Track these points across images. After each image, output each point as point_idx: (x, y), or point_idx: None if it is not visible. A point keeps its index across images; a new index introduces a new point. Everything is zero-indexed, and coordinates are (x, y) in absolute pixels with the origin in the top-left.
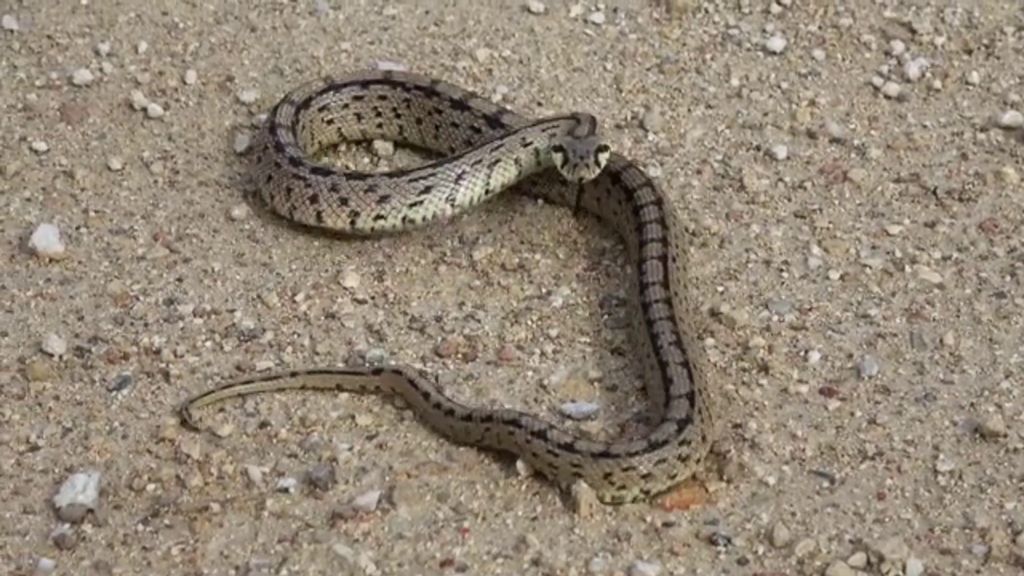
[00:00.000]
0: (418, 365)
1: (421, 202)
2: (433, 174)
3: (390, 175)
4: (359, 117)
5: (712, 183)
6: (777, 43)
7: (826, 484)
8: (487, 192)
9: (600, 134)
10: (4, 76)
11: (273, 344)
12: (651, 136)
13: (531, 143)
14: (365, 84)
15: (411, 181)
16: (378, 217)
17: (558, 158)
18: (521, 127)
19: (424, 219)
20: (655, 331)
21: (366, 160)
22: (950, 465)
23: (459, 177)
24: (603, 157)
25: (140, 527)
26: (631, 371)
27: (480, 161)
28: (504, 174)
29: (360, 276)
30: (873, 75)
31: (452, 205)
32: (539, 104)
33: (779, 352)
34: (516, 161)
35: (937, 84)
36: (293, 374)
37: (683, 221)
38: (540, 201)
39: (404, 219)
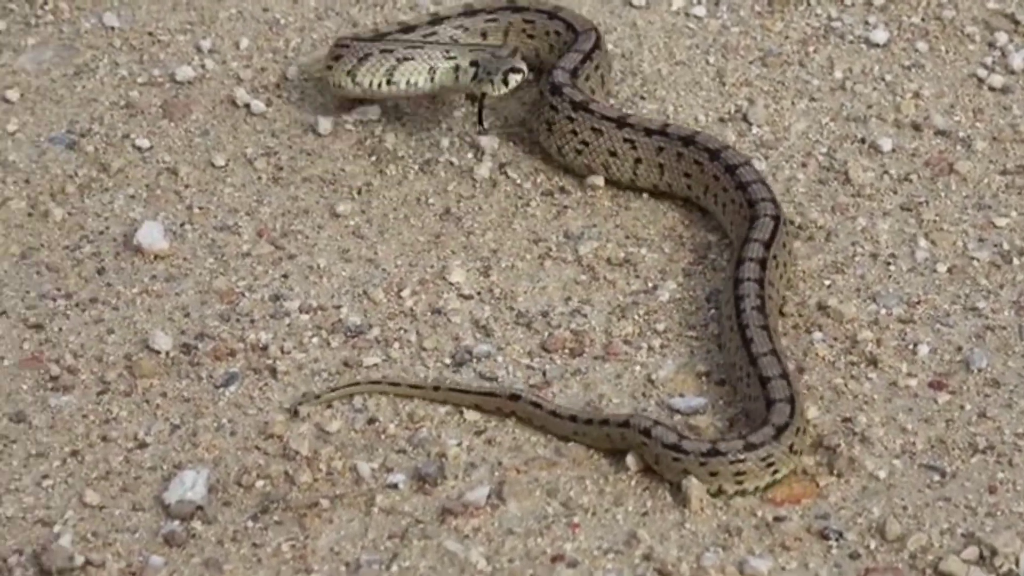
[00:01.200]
0: (524, 360)
1: (330, 67)
2: (348, 47)
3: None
4: None
5: (817, 176)
6: (880, 35)
7: (937, 478)
8: (388, 84)
9: (520, 61)
10: (106, 73)
11: (380, 340)
12: (755, 129)
13: (454, 57)
14: None
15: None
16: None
17: (471, 71)
18: (456, 44)
19: (332, 83)
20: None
21: None
22: None
23: (364, 57)
24: (513, 78)
25: (250, 524)
26: None
27: (390, 51)
28: (412, 75)
29: (466, 271)
30: (977, 67)
31: (352, 81)
32: (642, 98)
33: (888, 345)
34: (430, 69)
35: None
36: (436, 388)
37: (789, 215)
38: (646, 195)
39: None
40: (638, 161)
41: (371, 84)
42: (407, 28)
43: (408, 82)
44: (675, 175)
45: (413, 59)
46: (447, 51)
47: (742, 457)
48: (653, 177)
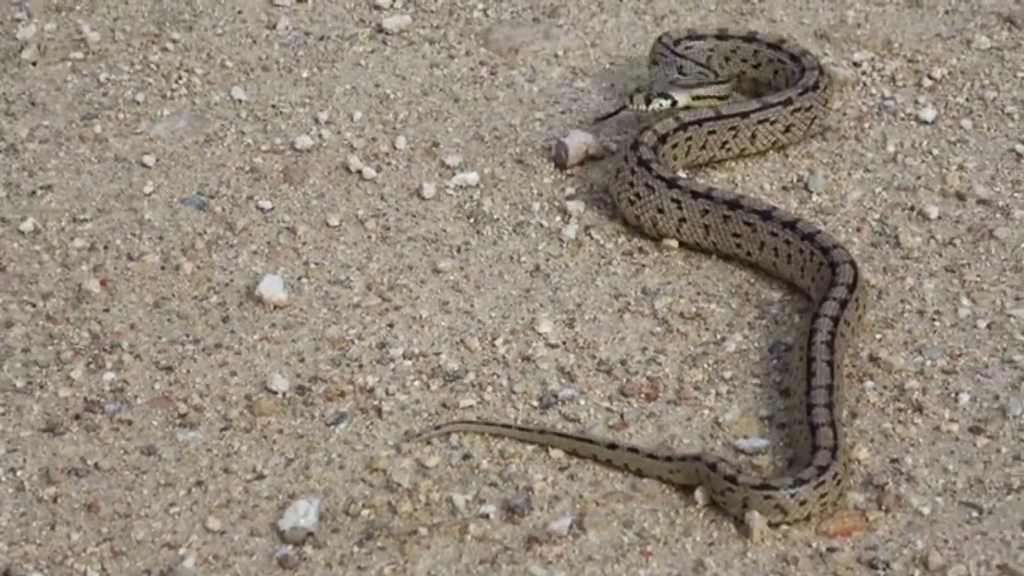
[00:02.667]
0: (604, 404)
1: None
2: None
3: None
4: None
5: (870, 240)
6: (929, 113)
7: (975, 514)
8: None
9: (681, 91)
10: (233, 141)
11: (475, 384)
12: (815, 197)
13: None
14: None
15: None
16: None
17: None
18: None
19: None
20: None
21: None
22: None
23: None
24: (658, 101)
25: (355, 549)
26: None
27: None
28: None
29: (553, 323)
30: (1016, 142)
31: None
32: (712, 167)
33: (932, 394)
34: None
35: None
36: (612, 446)
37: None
38: (715, 256)
39: None
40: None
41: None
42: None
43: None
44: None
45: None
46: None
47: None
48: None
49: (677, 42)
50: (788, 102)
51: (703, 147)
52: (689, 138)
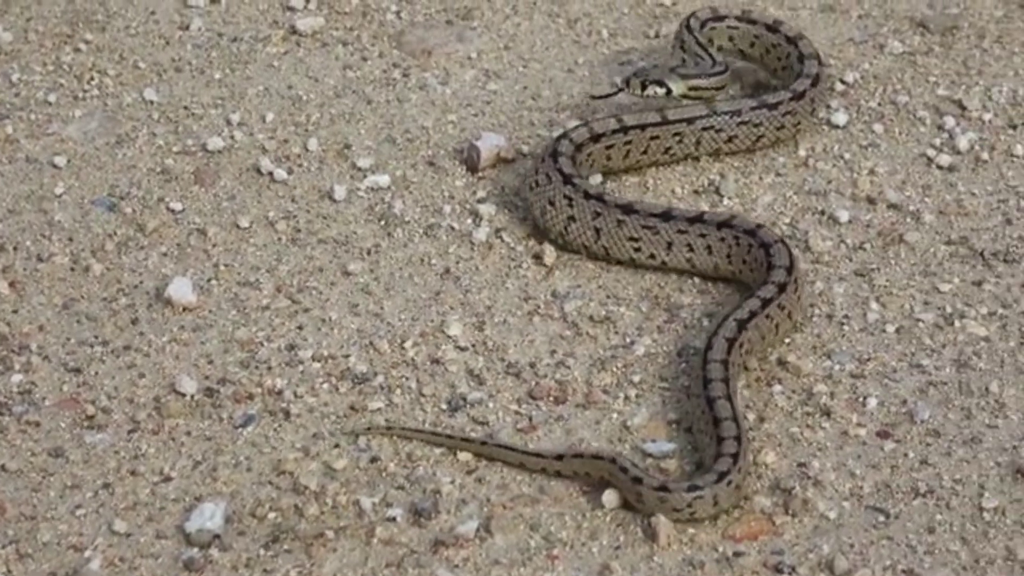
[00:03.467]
0: (513, 407)
1: None
2: None
3: None
4: None
5: None
6: (841, 118)
7: (882, 519)
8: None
9: (676, 79)
10: (145, 143)
11: (384, 387)
12: (726, 201)
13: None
14: None
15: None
16: None
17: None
18: None
19: None
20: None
21: None
22: (994, 502)
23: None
24: (652, 88)
25: (262, 552)
26: None
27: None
28: None
29: (463, 326)
30: (927, 147)
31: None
32: (625, 172)
33: (840, 398)
34: None
35: (985, 156)
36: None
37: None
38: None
39: None
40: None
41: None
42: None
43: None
44: None
45: None
46: None
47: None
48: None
49: (704, 24)
50: (737, 114)
51: (644, 152)
52: (628, 142)
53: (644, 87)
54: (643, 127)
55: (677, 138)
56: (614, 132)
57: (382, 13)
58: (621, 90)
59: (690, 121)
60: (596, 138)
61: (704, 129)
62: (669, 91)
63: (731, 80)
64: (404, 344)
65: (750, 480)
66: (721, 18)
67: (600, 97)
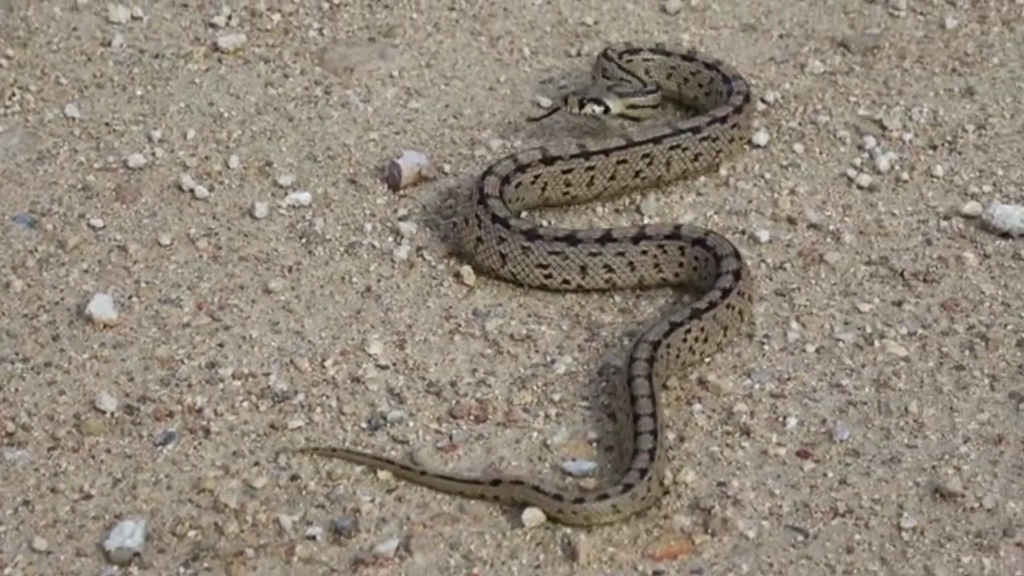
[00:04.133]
0: (434, 425)
1: None
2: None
3: None
4: None
5: None
6: (761, 137)
7: (801, 538)
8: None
9: (613, 98)
10: (66, 159)
11: (304, 405)
12: (646, 220)
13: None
14: None
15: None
16: None
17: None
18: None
19: None
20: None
21: None
22: (913, 522)
23: None
24: (590, 106)
25: (182, 570)
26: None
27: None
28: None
29: (383, 344)
30: (847, 167)
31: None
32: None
33: (760, 417)
34: None
35: (905, 176)
36: (423, 472)
37: (676, 296)
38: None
39: None
40: None
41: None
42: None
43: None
44: None
45: None
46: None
47: None
48: None
49: (620, 55)
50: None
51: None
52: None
53: (582, 105)
54: (607, 152)
55: (647, 160)
56: (573, 157)
57: (304, 30)
58: (558, 109)
59: (657, 141)
60: (550, 161)
61: (672, 148)
62: (607, 109)
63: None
64: (325, 362)
65: (670, 499)
66: (636, 51)
67: (537, 119)
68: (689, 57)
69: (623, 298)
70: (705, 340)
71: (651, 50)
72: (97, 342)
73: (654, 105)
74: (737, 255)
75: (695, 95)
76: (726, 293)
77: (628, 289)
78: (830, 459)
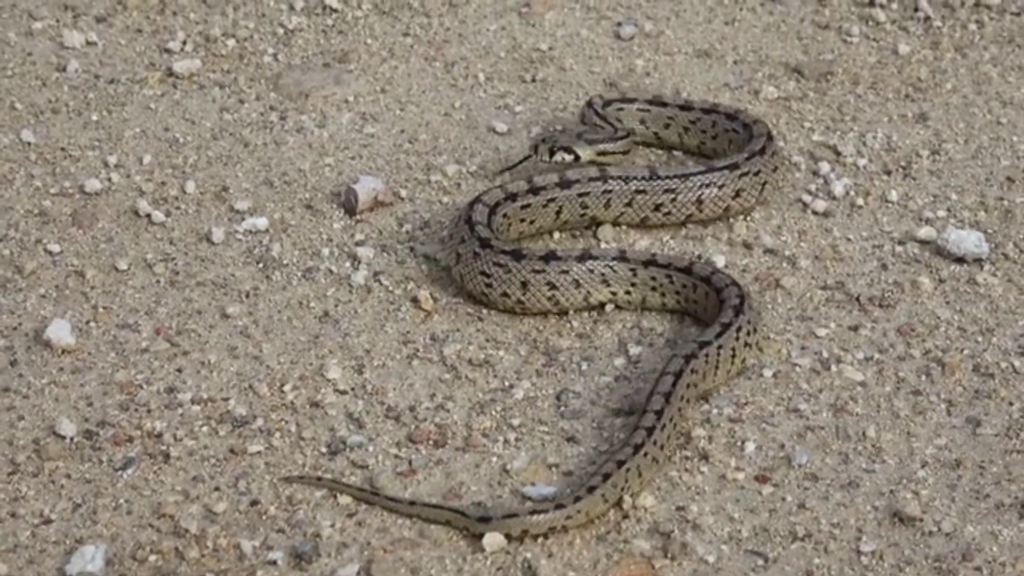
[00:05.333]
0: (393, 450)
1: None
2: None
3: None
4: None
5: None
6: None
7: (760, 562)
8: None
9: (583, 146)
10: (22, 184)
11: (263, 430)
12: (603, 245)
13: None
14: None
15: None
16: None
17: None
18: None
19: None
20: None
21: None
22: (871, 546)
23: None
24: (560, 154)
25: None
26: (585, 458)
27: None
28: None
29: (342, 369)
30: (803, 193)
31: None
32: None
33: (718, 442)
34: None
35: (860, 201)
36: (412, 503)
37: (634, 321)
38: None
39: None
40: None
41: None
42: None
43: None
44: None
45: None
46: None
47: None
48: None
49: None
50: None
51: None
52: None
53: (552, 153)
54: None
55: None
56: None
57: (259, 55)
58: (529, 157)
59: (684, 178)
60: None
61: (704, 186)
62: (577, 157)
63: (633, 144)
64: (283, 387)
65: (629, 523)
66: (630, 100)
67: (509, 168)
68: (686, 106)
69: (580, 323)
70: None
71: (647, 101)
72: (56, 367)
73: (624, 151)
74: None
75: (699, 142)
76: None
77: (585, 313)
78: (788, 483)
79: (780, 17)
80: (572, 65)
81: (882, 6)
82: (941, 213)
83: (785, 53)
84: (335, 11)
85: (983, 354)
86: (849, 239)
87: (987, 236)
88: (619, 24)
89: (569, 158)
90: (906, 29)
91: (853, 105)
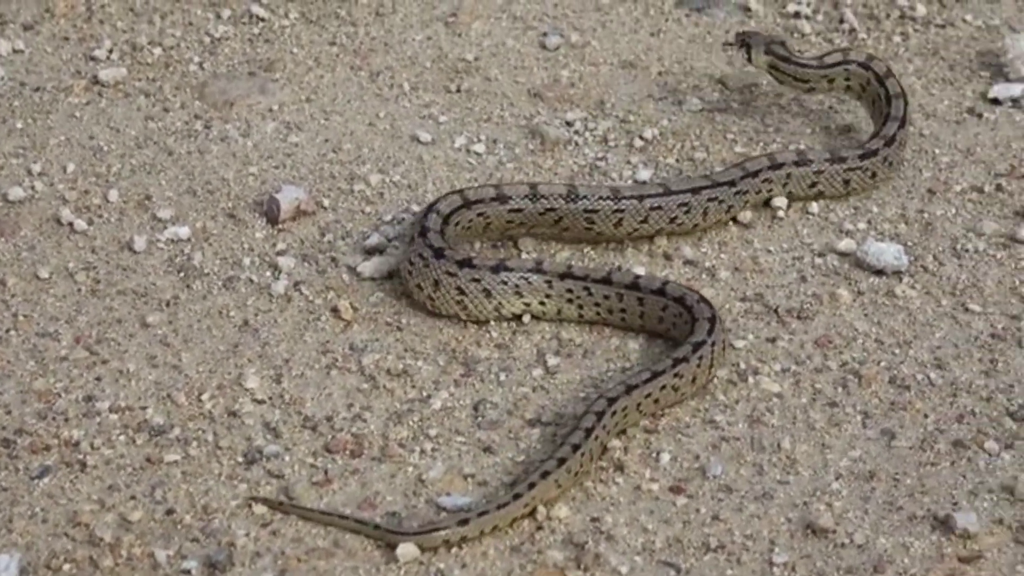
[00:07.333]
0: (309, 460)
1: None
2: None
3: None
4: None
5: None
6: (643, 173)
7: (673, 573)
8: None
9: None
10: None
11: (180, 439)
12: (523, 255)
13: None
14: None
15: None
16: None
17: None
18: None
19: None
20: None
21: None
22: (784, 558)
23: None
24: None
25: None
26: (501, 468)
27: None
28: None
29: (260, 378)
30: None
31: None
32: None
33: (633, 453)
34: None
35: (780, 213)
36: (376, 527)
37: (552, 332)
38: (423, 314)
39: None
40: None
41: None
42: None
43: None
44: None
45: None
46: None
47: None
48: None
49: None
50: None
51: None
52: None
53: (742, 43)
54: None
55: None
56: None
57: (185, 64)
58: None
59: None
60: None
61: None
62: (750, 58)
63: None
64: (201, 396)
65: (543, 534)
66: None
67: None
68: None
69: (499, 333)
70: None
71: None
72: None
73: (803, 81)
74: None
75: None
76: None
77: (504, 323)
78: (703, 495)
79: (706, 28)
80: (497, 75)
81: (808, 18)
82: (862, 225)
83: (710, 64)
84: (262, 20)
85: (900, 366)
86: (769, 251)
87: (907, 248)
88: (545, 34)
89: (744, 56)
90: (831, 41)
91: (777, 116)
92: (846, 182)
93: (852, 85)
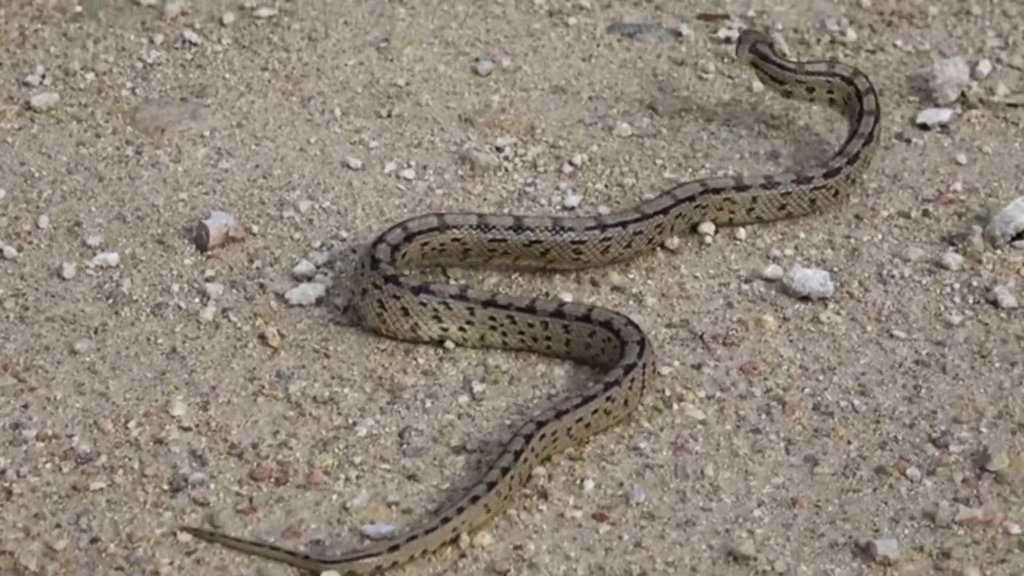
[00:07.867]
0: (235, 488)
1: None
2: None
3: None
4: None
5: None
6: (572, 199)
7: None
8: None
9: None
10: None
11: (106, 467)
12: (451, 281)
13: None
14: None
15: None
16: None
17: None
18: None
19: None
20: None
21: None
22: None
23: None
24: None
25: None
26: (425, 496)
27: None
28: None
29: (187, 406)
30: None
31: None
32: (353, 251)
33: (557, 480)
34: None
35: (708, 239)
36: (306, 557)
37: (479, 359)
38: (352, 340)
39: None
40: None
41: None
42: None
43: None
44: None
45: None
46: None
47: None
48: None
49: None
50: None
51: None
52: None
53: (740, 40)
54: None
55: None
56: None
57: (117, 90)
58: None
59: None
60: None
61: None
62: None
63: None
64: (128, 424)
65: (466, 562)
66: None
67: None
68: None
69: (426, 360)
70: None
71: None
72: None
73: (780, 83)
74: None
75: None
76: None
77: (432, 350)
78: (626, 522)
79: (637, 54)
80: (428, 100)
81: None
82: (788, 251)
83: (640, 89)
84: (195, 45)
85: (824, 393)
86: (696, 277)
87: (833, 275)
88: (477, 60)
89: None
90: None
91: (706, 142)
92: (812, 201)
93: (836, 99)
